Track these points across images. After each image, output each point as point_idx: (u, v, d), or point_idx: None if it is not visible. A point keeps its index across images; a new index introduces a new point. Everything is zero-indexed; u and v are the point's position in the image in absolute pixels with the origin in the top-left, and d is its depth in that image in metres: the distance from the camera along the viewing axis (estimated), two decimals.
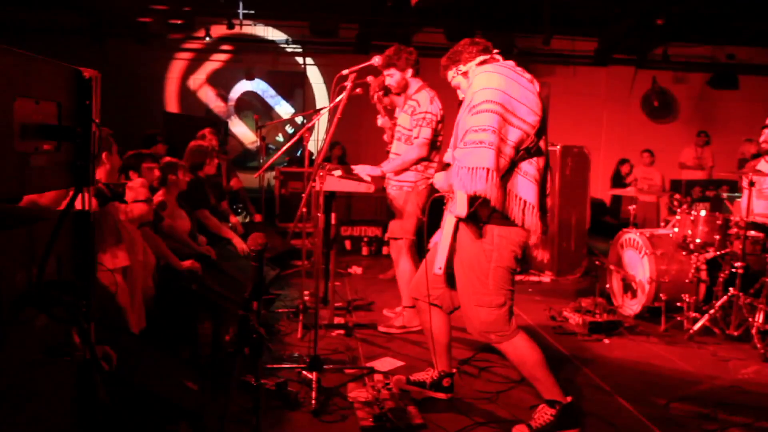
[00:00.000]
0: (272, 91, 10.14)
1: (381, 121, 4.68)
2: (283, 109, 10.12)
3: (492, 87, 2.59)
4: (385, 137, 4.65)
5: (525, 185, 2.65)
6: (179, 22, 9.21)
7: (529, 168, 2.66)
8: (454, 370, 3.17)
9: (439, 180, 2.89)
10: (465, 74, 2.84)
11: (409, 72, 4.16)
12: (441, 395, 3.10)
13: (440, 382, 3.11)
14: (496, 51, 2.87)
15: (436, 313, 3.04)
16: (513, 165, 2.62)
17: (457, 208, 2.60)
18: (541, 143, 2.69)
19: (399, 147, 4.23)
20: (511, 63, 2.78)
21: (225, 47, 9.91)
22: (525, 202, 2.64)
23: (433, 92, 4.17)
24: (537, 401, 3.07)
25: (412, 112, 4.15)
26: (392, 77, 4.16)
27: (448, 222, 2.81)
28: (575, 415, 2.84)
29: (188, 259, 3.67)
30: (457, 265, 2.81)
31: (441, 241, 2.85)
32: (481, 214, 2.65)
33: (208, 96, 10.13)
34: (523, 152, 2.63)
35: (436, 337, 3.09)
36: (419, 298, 3.08)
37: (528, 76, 2.72)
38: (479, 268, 2.71)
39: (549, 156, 2.80)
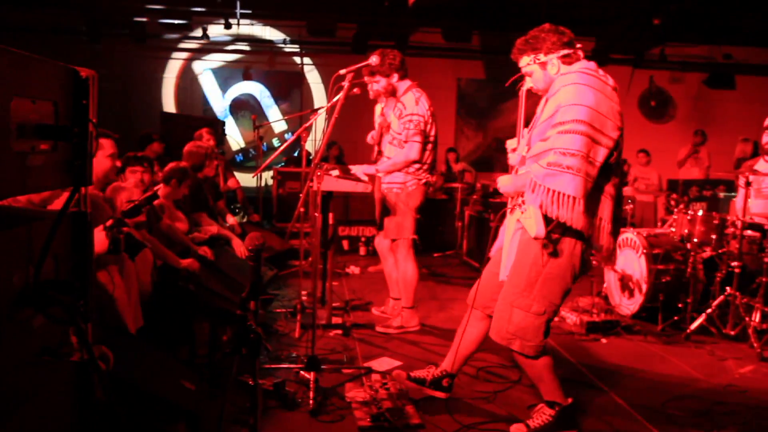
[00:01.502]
0: (268, 93, 10.12)
1: (379, 120, 4.68)
2: (275, 114, 10.11)
3: (583, 104, 2.43)
4: (369, 138, 4.62)
5: (604, 205, 2.58)
6: (176, 21, 9.20)
7: (607, 185, 2.58)
8: (455, 374, 3.13)
9: (505, 184, 2.75)
10: (543, 65, 2.66)
11: (395, 77, 4.17)
12: (439, 394, 3.09)
13: (440, 381, 3.09)
14: (579, 45, 2.67)
15: (480, 322, 2.96)
16: (596, 186, 2.52)
17: (534, 229, 2.50)
18: (617, 156, 2.58)
19: (391, 151, 4.25)
20: (593, 66, 2.61)
21: (222, 47, 9.90)
22: (600, 219, 2.58)
23: (420, 92, 4.17)
24: (535, 401, 3.08)
25: (399, 115, 4.18)
26: (379, 83, 4.18)
27: (511, 227, 2.74)
28: (574, 416, 2.85)
29: (186, 259, 3.66)
30: (515, 264, 2.69)
31: (506, 248, 2.76)
32: (556, 230, 2.54)
33: (206, 96, 10.12)
34: (605, 170, 2.52)
35: (464, 342, 3.02)
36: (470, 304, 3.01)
37: (611, 83, 2.58)
38: (531, 270, 2.60)
39: (622, 167, 2.70)
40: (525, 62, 2.72)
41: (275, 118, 10.03)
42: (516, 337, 2.64)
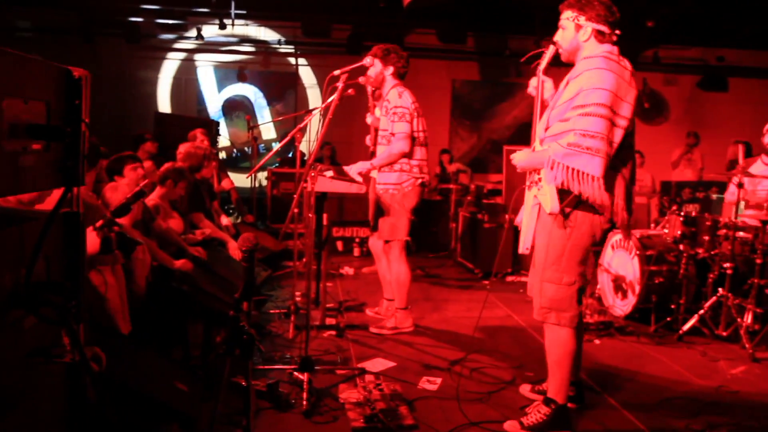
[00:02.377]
0: (261, 95, 10.11)
1: (371, 119, 4.70)
2: (267, 117, 10.08)
3: (605, 88, 2.55)
4: (368, 140, 4.65)
5: (618, 182, 2.69)
6: (171, 21, 9.18)
7: (619, 163, 2.69)
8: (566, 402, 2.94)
9: (521, 159, 2.83)
10: (578, 27, 2.72)
11: (390, 69, 4.20)
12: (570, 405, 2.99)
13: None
14: (618, 32, 2.74)
15: None
16: (613, 165, 2.64)
17: (549, 205, 2.66)
18: (630, 138, 2.70)
19: (381, 150, 4.27)
20: (616, 52, 2.70)
21: (217, 48, 9.88)
22: (614, 197, 2.68)
23: (403, 89, 4.20)
24: (528, 402, 3.09)
25: (385, 112, 4.20)
26: (374, 67, 4.20)
27: (529, 202, 2.87)
28: (569, 419, 2.85)
29: (179, 260, 3.66)
30: (537, 242, 2.84)
31: (525, 221, 2.90)
32: (569, 204, 2.68)
33: (200, 96, 10.09)
34: (620, 149, 2.65)
35: None
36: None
37: (629, 67, 2.68)
38: (557, 245, 2.73)
39: (634, 146, 2.79)
40: (566, 16, 2.79)
41: (267, 120, 10.00)
42: (551, 309, 2.78)
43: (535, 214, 2.84)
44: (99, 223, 2.40)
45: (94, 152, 3.69)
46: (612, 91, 2.56)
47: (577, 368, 3.07)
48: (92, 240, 2.36)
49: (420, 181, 4.21)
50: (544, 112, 2.91)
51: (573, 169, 2.56)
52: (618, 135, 2.60)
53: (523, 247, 2.90)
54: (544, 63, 2.90)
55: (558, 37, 2.82)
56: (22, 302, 1.45)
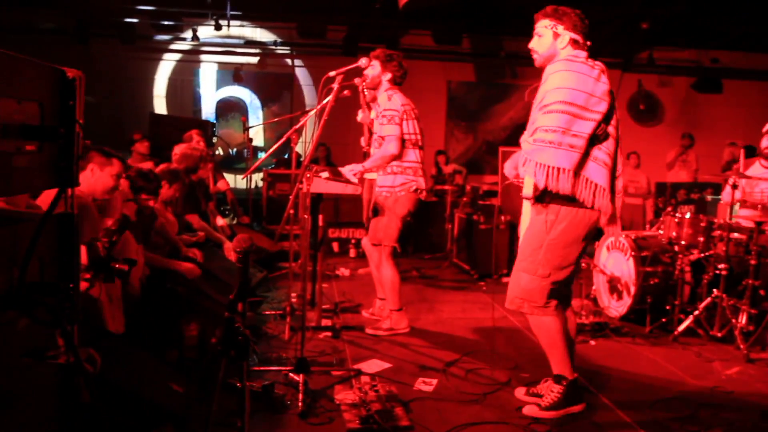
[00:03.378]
0: (255, 97, 10.10)
1: (361, 116, 4.71)
2: (260, 120, 10.07)
3: (565, 86, 2.73)
4: (362, 141, 4.66)
5: (596, 170, 2.79)
6: (166, 22, 9.16)
7: (599, 153, 2.81)
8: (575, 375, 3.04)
9: (506, 167, 3.05)
10: (556, 36, 2.89)
11: (388, 75, 4.21)
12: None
13: None
14: (588, 43, 2.92)
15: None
16: (585, 153, 2.76)
17: (524, 191, 2.83)
18: (610, 128, 2.83)
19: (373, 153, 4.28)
20: (582, 55, 2.86)
21: (212, 48, 9.87)
22: (596, 185, 2.78)
23: (393, 91, 4.21)
24: (522, 403, 3.10)
25: (377, 116, 4.24)
26: (373, 68, 4.21)
27: (525, 208, 3.02)
28: (580, 391, 2.97)
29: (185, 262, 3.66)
30: (522, 238, 3.01)
31: (522, 227, 3.05)
32: (546, 195, 2.82)
33: (195, 97, 10.08)
34: (594, 140, 2.77)
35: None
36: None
37: (599, 65, 2.82)
38: (536, 238, 2.88)
39: (619, 139, 2.91)
40: (543, 24, 2.94)
41: (260, 122, 9.99)
42: (524, 300, 2.90)
43: (527, 214, 3.00)
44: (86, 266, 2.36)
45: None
46: (572, 88, 2.71)
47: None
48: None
49: (414, 186, 4.19)
50: None
51: (539, 164, 2.72)
52: (588, 126, 2.72)
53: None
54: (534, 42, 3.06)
55: (534, 44, 2.97)
56: (16, 303, 1.45)
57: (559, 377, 2.96)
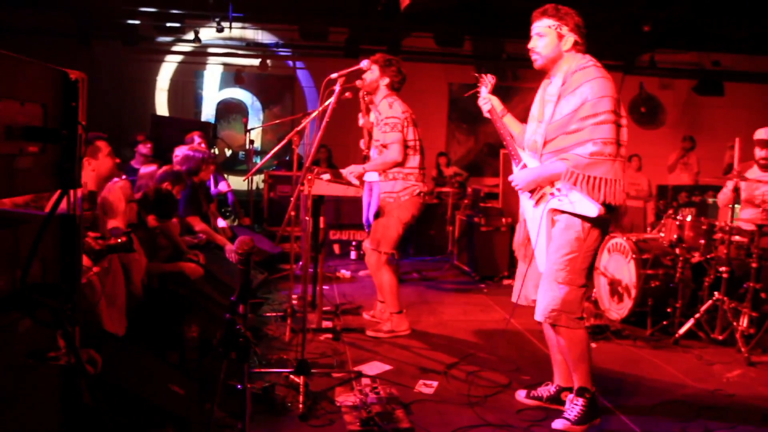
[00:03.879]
0: (255, 99, 10.10)
1: (362, 121, 4.71)
2: (261, 122, 10.07)
3: (609, 95, 2.70)
4: (362, 144, 4.67)
5: (623, 172, 2.78)
6: (168, 24, 9.17)
7: (622, 157, 2.79)
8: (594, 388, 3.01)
9: (525, 178, 2.91)
10: (560, 37, 2.82)
11: (386, 80, 4.22)
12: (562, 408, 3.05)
13: (558, 396, 3.12)
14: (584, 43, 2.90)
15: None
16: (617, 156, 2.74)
17: (591, 208, 2.69)
18: None
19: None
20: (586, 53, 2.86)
21: (214, 50, 9.88)
22: (624, 188, 2.77)
23: (394, 98, 4.22)
24: (523, 406, 3.10)
25: (377, 122, 4.25)
26: (371, 72, 4.21)
27: (533, 216, 2.91)
28: (597, 405, 2.95)
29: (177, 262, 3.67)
30: (549, 250, 2.87)
31: (540, 240, 2.90)
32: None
33: (197, 99, 10.09)
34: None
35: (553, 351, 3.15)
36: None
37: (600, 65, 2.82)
38: (571, 245, 2.78)
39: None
40: (545, 23, 2.85)
41: (261, 124, 9.99)
42: (562, 312, 2.81)
43: (546, 228, 2.87)
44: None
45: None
46: (614, 96, 2.71)
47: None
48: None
49: (417, 190, 4.21)
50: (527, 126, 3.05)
51: (596, 178, 2.67)
52: (625, 134, 2.75)
53: (542, 266, 2.90)
54: (486, 103, 3.20)
55: (535, 45, 2.87)
56: (18, 304, 1.45)
57: (583, 390, 2.90)
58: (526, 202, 3.00)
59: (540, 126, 2.91)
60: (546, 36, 2.84)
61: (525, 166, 2.98)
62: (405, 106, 4.21)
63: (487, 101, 3.23)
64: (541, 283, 2.90)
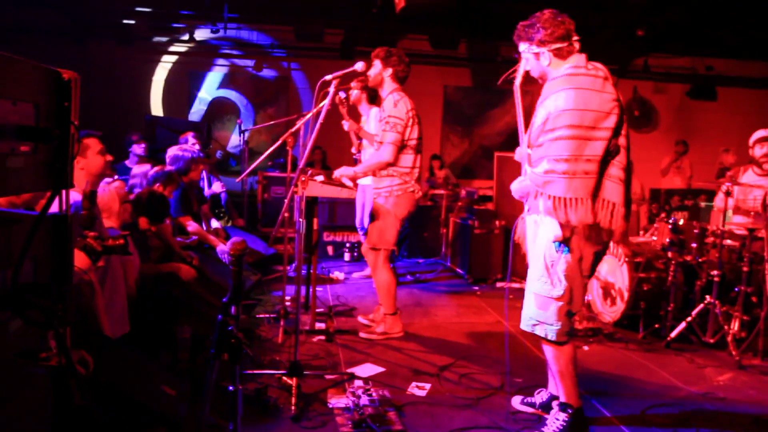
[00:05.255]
0: (247, 101, 10.08)
1: (347, 125, 4.71)
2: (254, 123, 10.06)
3: (570, 109, 2.54)
4: (353, 149, 4.69)
5: (612, 188, 2.64)
6: (163, 24, 9.15)
7: (613, 170, 2.65)
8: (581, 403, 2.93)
9: (514, 189, 2.86)
10: (536, 55, 2.72)
11: (389, 71, 4.20)
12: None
13: (550, 404, 3.05)
14: (576, 38, 2.70)
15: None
16: (600, 173, 2.61)
17: (551, 232, 2.65)
18: (621, 139, 2.65)
19: (369, 154, 4.28)
20: (582, 62, 2.67)
21: (209, 51, 9.86)
22: (613, 204, 2.63)
23: (400, 96, 4.18)
24: (517, 411, 3.10)
25: (380, 119, 4.22)
26: (374, 68, 4.22)
27: (530, 224, 2.83)
28: (585, 420, 2.88)
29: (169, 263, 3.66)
30: (531, 256, 2.82)
31: (530, 250, 2.85)
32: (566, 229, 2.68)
33: (191, 99, 10.07)
34: (608, 155, 2.62)
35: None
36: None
37: (602, 73, 2.64)
38: (550, 255, 2.70)
39: (630, 151, 2.72)
40: (522, 48, 2.79)
41: (255, 124, 9.98)
42: (538, 321, 2.74)
43: (534, 237, 2.82)
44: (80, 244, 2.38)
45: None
46: (578, 109, 2.53)
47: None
48: (80, 257, 2.36)
49: (411, 187, 4.20)
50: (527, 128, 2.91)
51: (554, 198, 2.57)
52: (599, 147, 2.57)
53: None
54: (519, 77, 2.85)
55: (525, 67, 2.80)
56: (9, 304, 1.44)
57: (565, 405, 2.84)
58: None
59: (526, 135, 2.86)
60: (527, 59, 2.76)
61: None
62: (411, 105, 4.18)
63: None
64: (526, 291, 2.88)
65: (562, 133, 2.54)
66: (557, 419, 2.84)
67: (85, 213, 2.86)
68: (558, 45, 2.68)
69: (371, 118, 4.97)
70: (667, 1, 7.56)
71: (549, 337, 2.74)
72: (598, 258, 2.80)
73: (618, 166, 2.67)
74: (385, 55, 4.22)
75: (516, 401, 3.22)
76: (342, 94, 4.43)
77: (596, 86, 2.59)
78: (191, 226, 4.68)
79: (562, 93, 2.58)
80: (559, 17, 2.69)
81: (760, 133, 4.65)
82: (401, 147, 4.12)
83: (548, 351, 2.83)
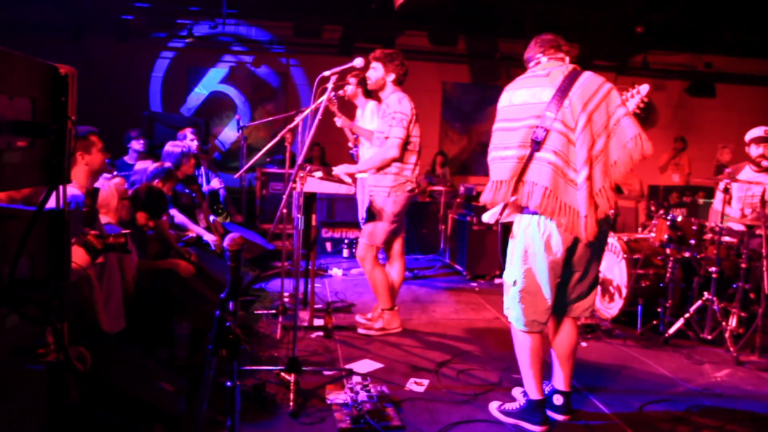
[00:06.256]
0: (244, 97, 10.06)
1: (339, 122, 4.70)
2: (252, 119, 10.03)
3: (499, 107, 2.90)
4: (350, 144, 4.68)
5: (539, 171, 2.69)
6: (162, 20, 9.13)
7: (545, 155, 2.69)
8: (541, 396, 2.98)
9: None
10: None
11: (392, 76, 4.20)
12: (556, 416, 3.05)
13: (551, 398, 3.09)
14: (559, 56, 2.96)
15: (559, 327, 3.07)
16: (530, 158, 2.74)
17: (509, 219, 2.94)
18: (557, 125, 2.70)
19: (370, 152, 4.27)
20: (532, 66, 2.96)
21: (207, 46, 9.84)
22: (535, 185, 2.69)
23: (403, 94, 4.19)
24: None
25: (383, 115, 4.20)
26: (375, 71, 4.21)
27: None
28: (542, 413, 2.90)
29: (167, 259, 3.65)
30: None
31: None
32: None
33: (189, 95, 10.05)
34: (537, 144, 2.73)
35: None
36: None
37: (552, 72, 2.82)
38: (511, 248, 2.94)
39: (592, 138, 2.70)
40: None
41: (254, 120, 9.95)
42: (507, 307, 2.94)
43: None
44: (79, 240, 2.38)
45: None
46: (504, 106, 2.89)
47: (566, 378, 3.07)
48: (80, 254, 2.36)
49: (410, 186, 4.20)
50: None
51: (491, 182, 2.88)
52: (524, 135, 2.74)
53: None
54: None
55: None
56: (5, 300, 1.44)
57: (526, 392, 2.97)
58: None
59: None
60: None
61: None
62: (412, 104, 4.19)
63: None
64: None
65: (493, 128, 2.97)
66: (518, 401, 3.03)
67: (86, 210, 2.85)
68: (531, 65, 3.02)
69: (367, 112, 4.96)
70: None
71: (512, 323, 2.92)
72: (573, 249, 2.79)
73: (550, 151, 2.69)
74: (386, 58, 4.20)
75: (517, 392, 3.24)
76: (332, 94, 4.44)
77: (529, 84, 2.84)
78: (178, 217, 4.68)
79: (502, 95, 2.96)
80: (541, 41, 3.00)
81: (754, 133, 4.65)
82: (406, 144, 4.13)
83: (512, 335, 2.97)
